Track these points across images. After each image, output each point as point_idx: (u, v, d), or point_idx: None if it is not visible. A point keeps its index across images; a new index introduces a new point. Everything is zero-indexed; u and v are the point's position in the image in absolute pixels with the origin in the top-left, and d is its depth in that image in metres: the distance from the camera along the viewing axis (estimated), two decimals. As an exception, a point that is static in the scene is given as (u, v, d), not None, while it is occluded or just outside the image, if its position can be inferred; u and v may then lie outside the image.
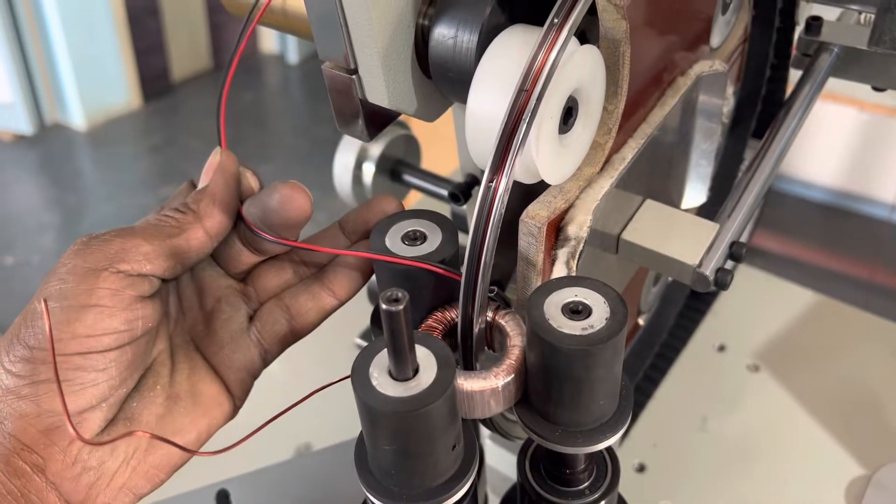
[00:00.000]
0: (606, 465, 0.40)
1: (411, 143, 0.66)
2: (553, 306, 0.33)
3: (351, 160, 0.63)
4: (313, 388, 0.39)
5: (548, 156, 0.35)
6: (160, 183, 2.61)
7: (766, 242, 2.32)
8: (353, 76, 0.37)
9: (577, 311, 0.33)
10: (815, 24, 0.53)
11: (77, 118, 2.88)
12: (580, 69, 0.34)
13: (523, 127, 0.32)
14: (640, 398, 0.64)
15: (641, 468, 0.64)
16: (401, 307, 0.28)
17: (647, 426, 0.66)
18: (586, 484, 0.39)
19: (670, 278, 0.59)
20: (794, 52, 0.55)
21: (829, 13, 0.54)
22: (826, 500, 0.61)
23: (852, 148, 2.01)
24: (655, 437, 0.65)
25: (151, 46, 3.07)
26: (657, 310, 0.61)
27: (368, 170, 0.64)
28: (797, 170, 2.20)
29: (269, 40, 3.27)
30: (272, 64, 3.24)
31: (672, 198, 0.49)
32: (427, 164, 0.66)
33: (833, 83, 0.53)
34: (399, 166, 0.65)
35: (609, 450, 0.40)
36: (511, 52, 0.34)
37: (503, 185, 0.32)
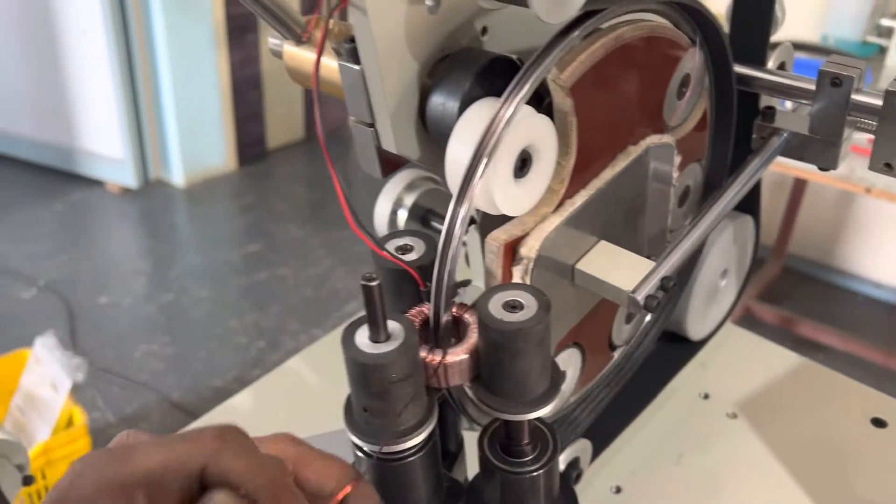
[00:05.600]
0: (548, 442, 0.50)
1: (442, 195, 0.79)
2: (500, 300, 0.45)
3: (387, 208, 0.76)
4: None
5: (503, 193, 0.46)
6: (247, 240, 2.83)
7: (828, 338, 2.35)
8: (371, 128, 0.50)
9: (513, 306, 0.44)
10: (769, 112, 0.64)
11: (177, 176, 3.16)
12: (530, 132, 0.46)
13: (479, 171, 0.44)
14: (616, 423, 0.73)
15: (619, 490, 0.72)
16: (374, 283, 0.40)
17: (628, 455, 0.74)
18: (531, 456, 0.50)
19: (644, 316, 0.69)
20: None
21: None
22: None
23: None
24: (634, 464, 0.74)
25: (251, 115, 3.36)
26: (633, 346, 0.71)
27: (402, 216, 0.77)
28: (864, 269, 2.23)
29: (357, 115, 3.51)
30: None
31: (636, 244, 0.60)
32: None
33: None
34: (428, 215, 0.77)
35: (551, 430, 0.50)
36: (477, 117, 0.46)
37: (463, 211, 0.44)
